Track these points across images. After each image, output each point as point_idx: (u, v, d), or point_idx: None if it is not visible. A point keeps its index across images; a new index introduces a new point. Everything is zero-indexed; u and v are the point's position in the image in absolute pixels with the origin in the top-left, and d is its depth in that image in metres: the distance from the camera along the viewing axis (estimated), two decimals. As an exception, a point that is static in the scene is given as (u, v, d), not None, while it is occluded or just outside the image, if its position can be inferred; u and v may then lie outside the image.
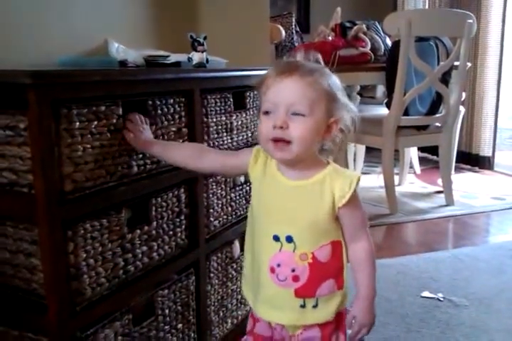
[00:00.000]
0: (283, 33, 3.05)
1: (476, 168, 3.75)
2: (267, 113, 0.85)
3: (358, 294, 0.93)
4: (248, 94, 1.40)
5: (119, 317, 0.98)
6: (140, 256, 1.04)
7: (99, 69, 1.15)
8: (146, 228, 1.06)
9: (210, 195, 1.27)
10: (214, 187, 1.29)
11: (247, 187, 1.44)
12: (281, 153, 0.85)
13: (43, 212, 0.83)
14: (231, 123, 1.34)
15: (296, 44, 3.20)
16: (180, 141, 1.15)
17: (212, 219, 1.29)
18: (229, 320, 1.40)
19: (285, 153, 0.85)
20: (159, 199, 1.09)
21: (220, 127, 1.29)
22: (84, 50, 1.44)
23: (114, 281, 0.98)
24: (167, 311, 1.13)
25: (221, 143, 1.30)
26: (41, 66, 1.27)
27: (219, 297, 1.34)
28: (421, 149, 3.82)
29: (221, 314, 1.36)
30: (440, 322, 1.60)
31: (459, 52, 2.67)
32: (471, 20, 2.65)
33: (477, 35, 3.52)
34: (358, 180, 0.88)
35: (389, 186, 2.73)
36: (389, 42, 3.06)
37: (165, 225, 1.12)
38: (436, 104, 2.77)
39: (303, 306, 0.91)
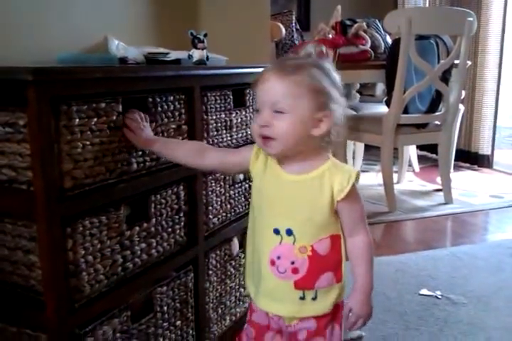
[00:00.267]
0: (283, 30, 3.05)
1: (475, 167, 3.75)
2: (257, 111, 0.90)
3: (355, 287, 0.94)
4: (248, 91, 1.40)
5: (118, 314, 0.98)
6: (139, 253, 1.04)
7: (100, 66, 1.15)
8: (145, 225, 1.06)
9: (209, 193, 1.27)
10: (213, 184, 1.29)
11: (246, 185, 1.44)
12: (268, 149, 0.90)
13: (42, 208, 0.83)
14: (231, 120, 1.34)
15: (297, 42, 3.19)
16: (180, 138, 1.15)
17: (211, 216, 1.29)
18: (227, 317, 1.40)
19: (271, 148, 0.89)
20: (158, 196, 1.10)
21: (219, 124, 1.29)
22: (85, 47, 1.44)
23: (112, 278, 0.98)
24: (165, 308, 1.13)
25: (220, 140, 1.30)
26: (41, 63, 1.27)
27: (217, 294, 1.34)
28: (420, 147, 3.82)
29: (220, 311, 1.36)
30: (438, 319, 1.61)
31: (459, 51, 2.67)
32: (471, 19, 2.64)
33: (477, 34, 3.51)
34: (357, 174, 0.90)
35: (388, 184, 2.73)
36: (389, 40, 3.06)
37: (164, 222, 1.12)
38: (435, 102, 2.77)
39: (302, 298, 0.93)
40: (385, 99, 2.91)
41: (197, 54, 1.32)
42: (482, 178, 3.50)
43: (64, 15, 1.39)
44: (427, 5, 4.20)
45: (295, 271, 0.92)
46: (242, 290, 1.46)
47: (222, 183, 1.33)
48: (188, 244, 1.21)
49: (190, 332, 1.24)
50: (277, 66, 0.89)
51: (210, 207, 1.29)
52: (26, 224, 0.87)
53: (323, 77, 0.87)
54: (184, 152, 1.03)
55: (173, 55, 1.41)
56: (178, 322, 1.18)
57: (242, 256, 1.45)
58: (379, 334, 1.51)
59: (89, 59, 1.35)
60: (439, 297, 1.75)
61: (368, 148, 3.33)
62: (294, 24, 3.27)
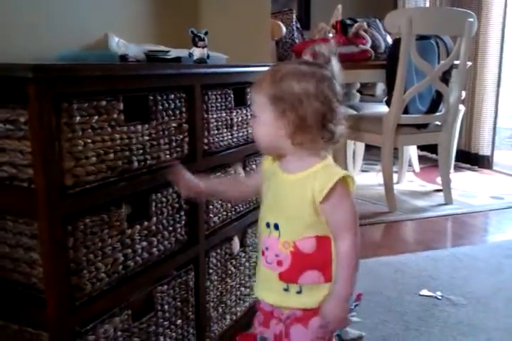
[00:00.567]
0: (283, 29, 3.05)
1: (475, 167, 3.76)
2: None
3: (332, 291, 0.95)
4: (249, 90, 1.40)
5: (119, 313, 0.98)
6: (140, 251, 1.04)
7: (101, 64, 1.15)
8: (145, 223, 1.05)
9: (210, 191, 1.27)
10: (214, 183, 1.28)
11: (247, 184, 1.43)
12: None
13: (43, 206, 0.82)
14: (231, 119, 1.33)
15: (297, 41, 3.19)
16: (181, 136, 1.15)
17: (211, 215, 1.29)
18: (228, 316, 1.40)
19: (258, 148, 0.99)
20: (159, 194, 1.09)
21: (220, 123, 1.29)
22: (85, 44, 1.43)
23: (113, 276, 0.97)
24: (166, 307, 1.13)
25: (221, 139, 1.30)
26: (42, 60, 1.26)
27: (218, 293, 1.34)
28: (420, 147, 3.82)
29: (220, 310, 1.36)
30: (438, 320, 1.61)
31: (460, 51, 2.67)
32: (471, 19, 2.64)
33: (477, 34, 3.52)
34: (345, 178, 0.92)
35: (388, 184, 2.73)
36: (389, 40, 3.06)
37: (165, 221, 1.12)
38: (436, 102, 2.77)
39: (286, 290, 0.97)
40: (385, 98, 2.91)
41: (197, 52, 1.32)
42: (482, 179, 3.50)
43: (65, 13, 1.38)
44: (428, 5, 4.20)
45: (279, 263, 0.96)
46: (242, 289, 1.46)
47: (222, 182, 1.32)
48: (188, 243, 1.21)
49: (191, 330, 1.23)
50: (263, 73, 0.95)
51: (211, 206, 1.28)
52: (27, 222, 0.87)
53: (299, 84, 0.89)
54: (228, 186, 1.13)
55: (174, 53, 1.41)
56: (179, 321, 1.18)
57: (243, 255, 1.45)
58: (379, 335, 1.51)
59: (89, 56, 1.35)
60: (439, 298, 1.75)
61: (368, 147, 3.33)
62: (294, 23, 3.26)
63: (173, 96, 1.11)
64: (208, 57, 1.33)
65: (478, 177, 3.56)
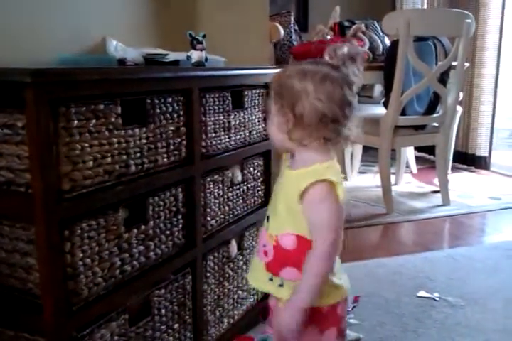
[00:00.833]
0: (281, 31, 3.04)
1: (473, 168, 3.76)
2: None
3: (290, 298, 0.93)
4: (246, 93, 1.40)
5: (116, 317, 0.98)
6: (137, 255, 1.04)
7: (98, 68, 1.14)
8: (143, 227, 1.05)
9: (208, 195, 1.27)
10: (211, 186, 1.28)
11: (245, 187, 1.43)
12: None
13: (40, 211, 0.82)
14: (229, 122, 1.33)
15: (295, 43, 3.19)
16: (179, 139, 1.15)
17: (209, 218, 1.29)
18: (225, 320, 1.40)
19: None
20: (156, 198, 1.09)
21: (218, 126, 1.29)
22: (83, 48, 1.43)
23: (110, 281, 0.97)
24: (163, 311, 1.13)
25: (219, 142, 1.30)
26: (40, 64, 1.26)
27: (215, 296, 1.34)
28: (418, 149, 3.82)
29: (217, 314, 1.36)
30: (436, 321, 1.61)
31: (457, 52, 2.67)
32: (469, 20, 2.65)
33: (475, 35, 3.52)
34: (327, 181, 0.90)
35: (385, 185, 2.73)
36: (387, 41, 3.06)
37: (162, 224, 1.12)
38: (433, 103, 2.77)
39: (271, 280, 0.98)
40: (383, 100, 2.91)
41: (195, 55, 1.32)
42: (479, 180, 3.51)
43: (63, 17, 1.38)
44: (425, 6, 4.20)
45: (265, 253, 0.99)
46: (240, 292, 1.46)
47: (220, 185, 1.32)
48: (185, 247, 1.21)
49: (188, 334, 1.23)
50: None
51: (208, 209, 1.28)
52: (24, 227, 0.87)
53: (300, 82, 0.91)
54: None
55: (172, 56, 1.41)
56: (176, 325, 1.18)
57: (240, 258, 1.45)
58: (376, 336, 1.51)
59: (87, 60, 1.34)
60: (437, 299, 1.75)
61: (365, 149, 3.33)
62: (292, 25, 3.26)
63: (170, 99, 1.11)
64: (206, 60, 1.33)
65: (475, 178, 3.57)
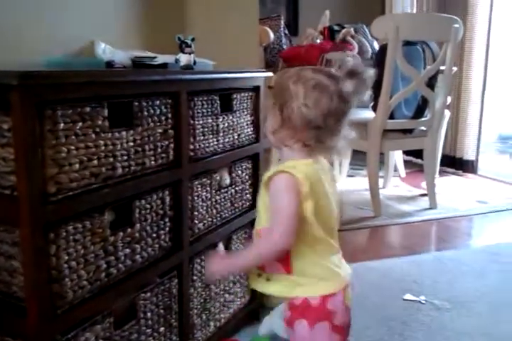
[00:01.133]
0: (271, 35, 3.05)
1: (460, 172, 3.78)
2: None
3: (234, 255, 1.10)
4: (235, 96, 1.40)
5: (101, 321, 0.97)
6: (123, 258, 1.04)
7: (85, 71, 1.14)
8: (129, 230, 1.05)
9: (195, 198, 1.27)
10: (199, 189, 1.28)
11: (233, 190, 1.43)
12: None
13: (26, 213, 0.82)
14: (217, 125, 1.33)
15: (285, 47, 3.20)
16: (167, 142, 1.15)
17: (196, 221, 1.28)
18: (212, 323, 1.40)
19: None
20: (143, 201, 1.09)
21: (206, 129, 1.29)
22: (71, 50, 1.43)
23: (96, 284, 0.97)
24: (149, 314, 1.12)
25: (207, 145, 1.30)
26: (27, 66, 1.25)
27: (202, 300, 1.34)
28: (406, 152, 3.84)
29: (204, 317, 1.35)
30: (422, 325, 1.61)
31: (445, 57, 2.69)
32: (457, 25, 2.67)
33: (463, 40, 3.54)
34: (287, 172, 0.93)
35: (374, 189, 2.74)
36: (376, 45, 3.08)
37: (148, 227, 1.11)
38: (421, 107, 2.79)
39: (260, 275, 1.02)
40: (371, 104, 2.92)
41: (184, 58, 1.32)
42: (467, 184, 3.53)
43: (51, 19, 1.38)
44: (414, 11, 4.23)
45: None
46: (226, 295, 1.46)
47: (208, 188, 1.32)
48: (172, 250, 1.21)
49: (174, 338, 1.23)
50: None
51: (196, 212, 1.28)
52: (8, 229, 0.86)
53: (292, 85, 0.95)
54: None
55: (160, 59, 1.41)
56: (162, 329, 1.18)
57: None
58: (363, 340, 1.51)
59: (75, 62, 1.34)
60: (423, 302, 1.76)
61: (354, 153, 3.34)
62: (282, 29, 3.28)
63: (158, 102, 1.11)
64: (195, 63, 1.33)
65: (463, 181, 3.59)
